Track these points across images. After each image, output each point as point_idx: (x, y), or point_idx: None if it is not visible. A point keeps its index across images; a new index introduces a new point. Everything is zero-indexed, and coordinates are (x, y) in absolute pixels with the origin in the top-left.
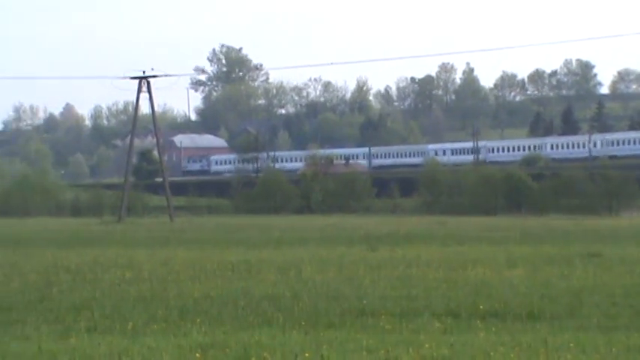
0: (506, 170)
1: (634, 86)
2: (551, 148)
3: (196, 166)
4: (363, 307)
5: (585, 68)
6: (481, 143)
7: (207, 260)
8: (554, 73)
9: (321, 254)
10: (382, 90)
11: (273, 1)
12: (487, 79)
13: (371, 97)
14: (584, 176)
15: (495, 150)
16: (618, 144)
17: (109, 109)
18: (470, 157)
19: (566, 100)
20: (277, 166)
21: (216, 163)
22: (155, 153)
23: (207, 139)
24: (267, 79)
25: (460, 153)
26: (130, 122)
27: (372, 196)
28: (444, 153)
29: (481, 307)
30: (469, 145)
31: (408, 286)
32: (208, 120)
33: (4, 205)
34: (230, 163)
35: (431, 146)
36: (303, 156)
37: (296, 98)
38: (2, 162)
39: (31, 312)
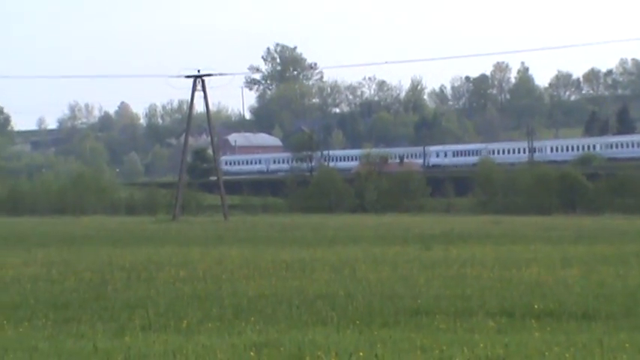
0: (561, 170)
1: None
2: (552, 150)
3: None
4: (418, 307)
5: None
6: (481, 146)
7: (261, 259)
8: (609, 73)
9: (375, 253)
10: (437, 89)
11: None
12: (542, 79)
13: (425, 97)
14: (639, 176)
15: (497, 152)
16: None
17: (163, 107)
18: (472, 159)
19: (621, 100)
20: (331, 165)
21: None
22: (209, 152)
23: (262, 138)
24: (322, 77)
25: (461, 154)
26: (185, 121)
27: (427, 195)
28: (445, 155)
29: (536, 306)
30: (470, 147)
31: (462, 285)
32: (263, 119)
33: (59, 204)
34: (235, 164)
35: (433, 148)
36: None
37: (350, 97)
38: (57, 160)
39: (86, 310)
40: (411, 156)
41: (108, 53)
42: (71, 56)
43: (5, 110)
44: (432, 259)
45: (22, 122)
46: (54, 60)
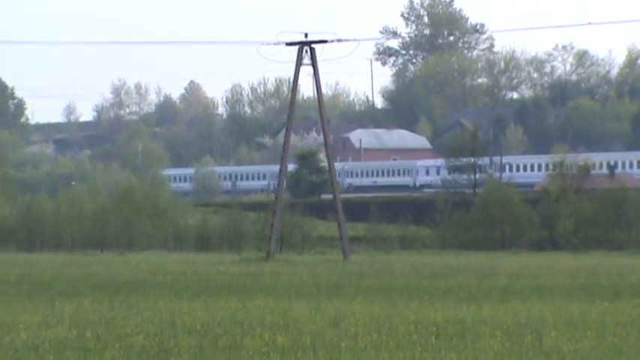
0: None
1: None
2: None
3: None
4: None
5: None
6: (419, 162)
7: (399, 319)
8: None
9: (572, 312)
10: None
11: None
12: None
13: None
14: None
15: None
16: None
17: (253, 90)
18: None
19: None
20: (505, 177)
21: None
22: (322, 156)
23: (400, 137)
24: (492, 46)
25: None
26: (285, 110)
27: None
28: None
29: None
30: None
31: None
32: (402, 108)
33: (97, 233)
34: (362, 174)
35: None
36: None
37: (535, 76)
38: (94, 169)
39: None
40: (628, 165)
41: (169, 11)
42: (116, 15)
43: (18, 94)
44: None
45: (42, 111)
46: (88, 21)
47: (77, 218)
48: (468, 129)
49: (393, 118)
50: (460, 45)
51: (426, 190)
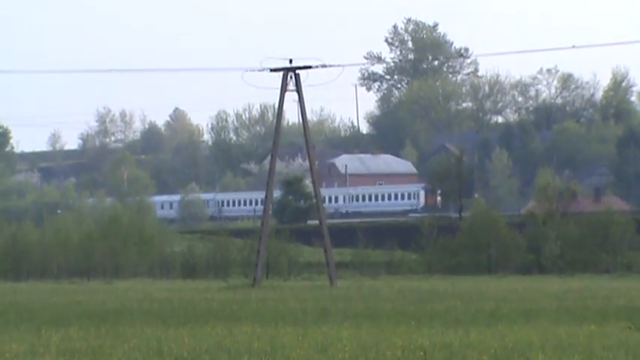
0: None
1: None
2: None
3: None
4: None
5: None
6: (209, 196)
7: (386, 344)
8: None
9: (560, 335)
10: None
11: None
12: None
13: (634, 98)
14: None
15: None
16: None
17: (238, 116)
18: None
19: None
20: (490, 202)
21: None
22: (307, 182)
23: (385, 162)
24: (476, 70)
25: None
26: (270, 137)
27: (637, 248)
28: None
29: None
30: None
31: None
32: (387, 133)
33: (83, 262)
34: (348, 199)
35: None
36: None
37: (519, 100)
38: (79, 197)
39: None
40: (613, 189)
41: (153, 39)
42: (100, 43)
43: (3, 122)
44: None
45: (27, 140)
46: (72, 49)
47: (63, 247)
48: (454, 153)
49: (379, 143)
50: (444, 69)
51: (411, 215)
